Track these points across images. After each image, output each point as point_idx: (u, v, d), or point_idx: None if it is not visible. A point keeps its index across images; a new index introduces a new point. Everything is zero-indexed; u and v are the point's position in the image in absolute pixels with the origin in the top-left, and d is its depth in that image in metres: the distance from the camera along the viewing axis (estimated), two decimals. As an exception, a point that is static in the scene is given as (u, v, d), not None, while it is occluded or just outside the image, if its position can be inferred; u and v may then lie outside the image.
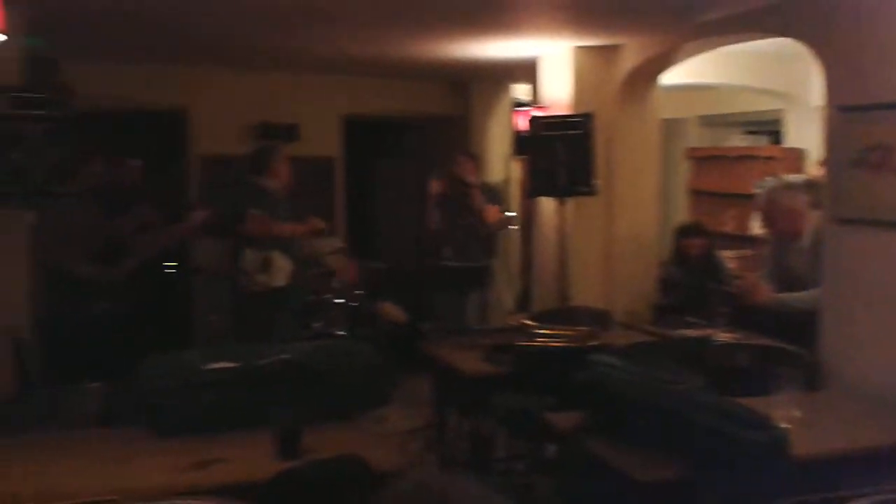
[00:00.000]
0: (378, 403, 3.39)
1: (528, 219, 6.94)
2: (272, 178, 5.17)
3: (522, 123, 6.09)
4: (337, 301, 6.00)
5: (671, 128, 7.23)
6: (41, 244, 4.53)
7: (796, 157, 6.68)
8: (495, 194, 6.21)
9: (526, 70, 6.32)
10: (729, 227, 6.78)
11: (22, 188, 3.83)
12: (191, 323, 6.64)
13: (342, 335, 5.82)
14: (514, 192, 7.68)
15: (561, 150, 5.14)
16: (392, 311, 5.91)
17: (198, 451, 2.78)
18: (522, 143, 5.95)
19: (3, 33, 2.00)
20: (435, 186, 6.03)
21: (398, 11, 4.64)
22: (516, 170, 7.68)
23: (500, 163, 7.73)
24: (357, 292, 6.17)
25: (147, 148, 5.83)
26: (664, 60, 5.43)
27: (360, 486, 2.40)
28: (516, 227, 7.13)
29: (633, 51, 5.49)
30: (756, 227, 5.57)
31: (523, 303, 6.75)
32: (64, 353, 4.47)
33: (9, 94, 3.82)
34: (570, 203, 5.41)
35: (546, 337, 4.30)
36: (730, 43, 5.16)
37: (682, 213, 7.55)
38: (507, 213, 6.17)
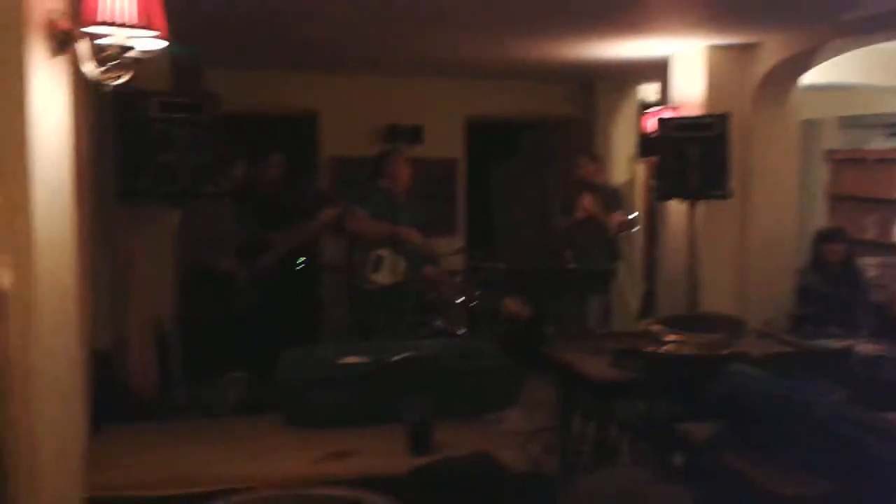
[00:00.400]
0: (506, 404, 3.39)
1: (653, 221, 6.77)
2: (389, 181, 5.23)
3: (650, 125, 5.93)
4: (457, 300, 6.05)
5: (809, 129, 6.90)
6: (186, 242, 4.78)
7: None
8: (618, 197, 6.09)
9: (655, 70, 6.18)
10: (870, 233, 6.43)
11: (170, 188, 4.03)
12: (319, 317, 6.85)
13: (462, 334, 5.85)
14: (638, 195, 7.51)
15: (693, 152, 4.99)
16: (515, 306, 5.86)
17: (332, 443, 2.86)
18: (650, 145, 5.81)
19: (164, 39, 2.11)
20: (588, 202, 5.96)
21: (528, 13, 4.63)
22: (640, 172, 7.51)
23: (623, 165, 7.58)
24: (477, 292, 6.19)
25: (282, 150, 6.05)
26: (804, 60, 5.19)
27: (494, 484, 2.40)
28: (637, 230, 6.96)
29: (771, 49, 5.26)
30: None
31: (646, 307, 6.59)
32: (205, 346, 4.70)
33: (158, 99, 4.04)
34: (702, 206, 5.25)
35: (675, 343, 4.18)
36: (875, 42, 4.88)
37: (820, 218, 7.18)
38: (629, 216, 6.03)
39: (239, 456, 2.80)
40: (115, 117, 3.94)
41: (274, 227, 5.27)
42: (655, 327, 4.57)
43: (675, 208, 5.60)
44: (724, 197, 5.08)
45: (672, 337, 4.26)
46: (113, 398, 3.39)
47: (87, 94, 2.49)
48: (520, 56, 6.06)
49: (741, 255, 5.49)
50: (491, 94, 7.48)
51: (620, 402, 4.27)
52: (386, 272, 5.06)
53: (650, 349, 4.12)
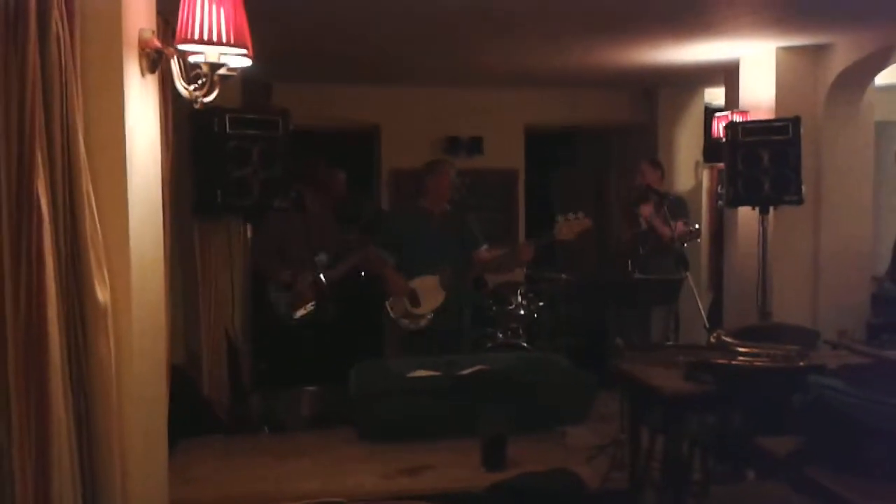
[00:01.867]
0: (579, 417, 3.35)
1: (719, 229, 6.63)
2: (429, 199, 5.05)
3: (717, 129, 5.82)
4: (520, 312, 6.00)
5: (885, 131, 6.69)
6: (257, 254, 4.85)
7: None
8: (682, 205, 5.98)
9: (720, 73, 6.07)
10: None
11: (242, 202, 4.09)
12: (382, 331, 6.87)
13: (525, 347, 5.80)
14: (704, 202, 7.38)
15: (765, 158, 4.88)
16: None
17: (404, 457, 2.86)
18: (718, 150, 5.69)
19: (252, 59, 2.15)
20: (646, 211, 5.84)
21: (592, 20, 4.59)
22: (706, 178, 7.38)
23: (688, 172, 7.46)
24: (540, 304, 6.13)
25: (344, 164, 6.09)
26: (878, 60, 5.05)
27: (573, 501, 2.37)
28: (701, 239, 6.81)
29: (843, 50, 5.13)
30: None
31: (714, 317, 6.45)
32: (270, 357, 4.74)
33: (231, 115, 4.11)
34: (773, 213, 5.13)
35: (749, 356, 4.07)
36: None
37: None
38: (692, 227, 5.86)
39: (311, 470, 2.83)
40: (191, 134, 4.03)
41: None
42: (728, 338, 4.47)
43: (745, 215, 5.48)
44: (797, 203, 4.95)
45: (745, 349, 4.16)
46: (188, 412, 3.44)
47: (170, 111, 2.55)
48: (580, 63, 6.02)
49: (814, 263, 5.34)
50: (550, 103, 7.44)
51: (691, 416, 4.17)
52: (425, 301, 4.95)
53: (723, 361, 4.03)
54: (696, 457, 4.52)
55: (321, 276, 5.03)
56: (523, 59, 5.89)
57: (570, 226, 4.82)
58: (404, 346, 4.97)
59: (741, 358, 4.09)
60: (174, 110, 2.51)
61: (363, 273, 5.61)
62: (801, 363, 3.92)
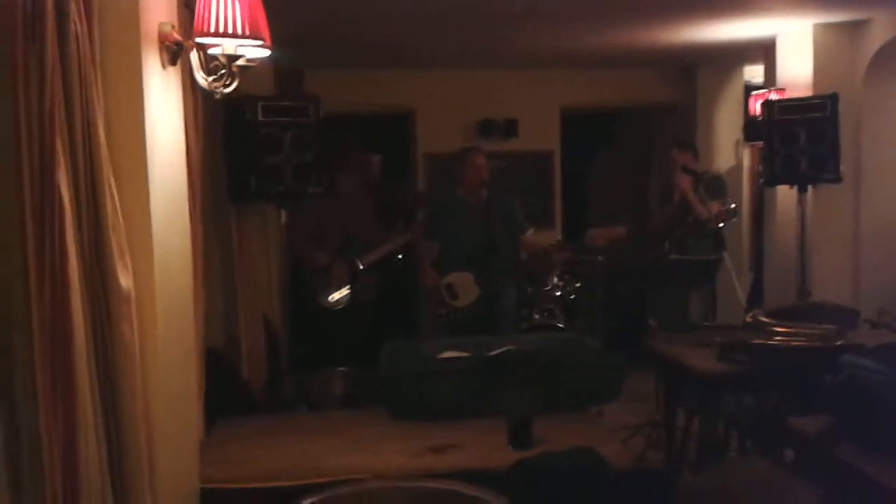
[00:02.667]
0: (608, 398, 3.36)
1: (760, 209, 6.53)
2: (463, 187, 5.10)
3: (755, 108, 5.73)
4: (556, 293, 6.00)
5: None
6: (292, 239, 4.94)
7: None
8: (720, 185, 5.89)
9: (759, 51, 5.96)
10: None
11: (276, 189, 4.18)
12: (417, 314, 6.95)
13: (560, 328, 5.80)
14: (745, 181, 7.26)
15: (802, 136, 4.80)
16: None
17: (433, 437, 2.91)
18: (756, 129, 5.60)
19: (269, 49, 2.20)
20: (683, 181, 5.78)
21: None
22: (747, 157, 7.26)
23: (728, 151, 7.35)
24: (576, 284, 6.12)
25: (380, 148, 6.16)
26: (920, 34, 4.91)
27: (596, 479, 2.39)
28: (739, 218, 6.69)
29: (882, 25, 5.00)
30: None
31: (754, 298, 6.37)
32: (308, 340, 4.85)
33: (263, 103, 4.19)
34: (812, 191, 5.04)
35: (786, 335, 4.03)
36: None
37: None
38: (729, 207, 5.75)
39: (343, 449, 2.89)
40: (224, 122, 4.11)
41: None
42: (764, 318, 4.42)
43: (784, 194, 5.39)
44: (835, 181, 4.87)
45: (782, 328, 4.11)
46: (226, 393, 3.54)
47: (198, 101, 2.61)
48: (616, 43, 5.96)
49: (854, 242, 5.24)
50: (586, 84, 7.38)
51: (727, 397, 4.14)
52: (463, 294, 5.01)
53: (759, 341, 3.99)
54: (732, 437, 4.51)
55: (357, 260, 5.11)
56: (557, 41, 5.85)
57: (600, 235, 4.93)
58: (440, 329, 5.05)
59: (777, 338, 4.05)
60: (206, 100, 2.57)
61: (400, 256, 5.69)
62: (839, 343, 3.87)
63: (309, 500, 2.13)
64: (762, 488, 0.94)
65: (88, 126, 1.71)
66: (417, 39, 5.69)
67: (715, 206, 5.60)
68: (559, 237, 6.51)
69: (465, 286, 4.95)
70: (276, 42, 4.91)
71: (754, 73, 7.07)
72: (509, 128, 7.22)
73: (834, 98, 4.84)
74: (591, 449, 2.46)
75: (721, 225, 5.47)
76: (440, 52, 6.30)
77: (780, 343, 3.98)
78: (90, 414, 1.69)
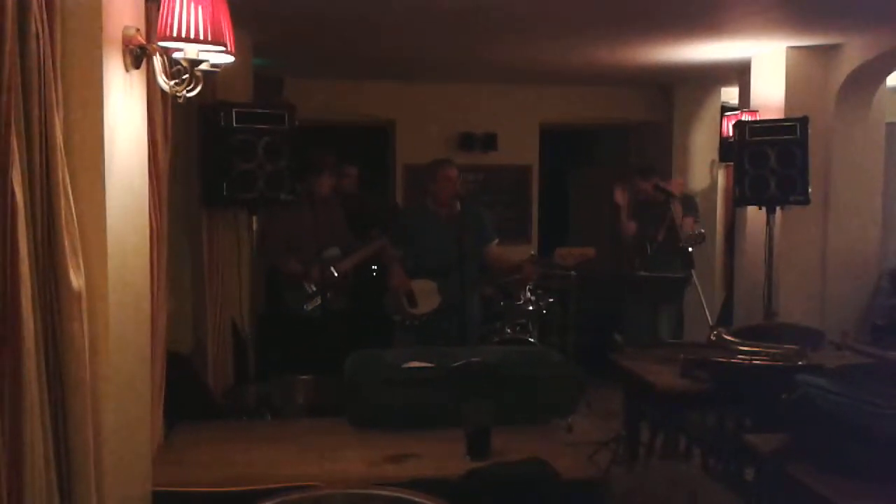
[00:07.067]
0: (566, 412, 3.39)
1: (733, 229, 6.61)
2: (433, 200, 5.04)
3: (727, 129, 5.82)
4: (528, 308, 6.04)
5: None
6: (262, 246, 4.95)
7: None
8: (691, 204, 5.96)
9: (735, 73, 6.05)
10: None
11: (248, 195, 4.19)
12: (391, 323, 6.94)
13: (531, 342, 5.83)
14: (720, 201, 7.36)
15: (772, 157, 4.87)
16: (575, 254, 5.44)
17: (392, 445, 2.92)
18: (730, 150, 5.69)
19: (232, 55, 2.23)
20: (620, 196, 5.87)
21: (605, 18, 4.62)
22: (721, 177, 7.35)
23: (703, 171, 7.44)
24: (549, 299, 6.16)
25: (359, 159, 6.18)
26: (889, 61, 5.02)
27: (547, 490, 2.41)
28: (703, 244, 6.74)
29: (854, 50, 5.10)
30: None
31: (725, 316, 6.44)
32: (277, 347, 4.84)
33: (238, 110, 4.21)
34: (780, 213, 5.11)
35: (748, 354, 4.08)
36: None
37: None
38: (699, 230, 5.77)
39: (301, 455, 2.89)
40: (199, 127, 4.13)
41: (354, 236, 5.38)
42: (728, 337, 4.47)
43: (754, 215, 5.48)
44: (803, 203, 4.95)
45: (744, 347, 4.16)
46: (190, 398, 3.54)
47: (168, 105, 2.62)
48: (596, 60, 6.04)
49: (822, 264, 5.33)
50: (566, 100, 7.46)
51: (690, 414, 4.18)
52: (423, 303, 4.99)
53: (721, 359, 4.04)
54: (695, 454, 4.55)
55: (331, 267, 5.12)
56: (538, 56, 5.92)
57: (570, 254, 4.96)
58: (412, 339, 5.04)
59: (740, 356, 4.10)
60: (180, 105, 2.58)
61: (374, 266, 5.70)
62: (800, 362, 3.92)
63: (258, 506, 2.14)
64: (682, 489, 0.97)
65: (45, 125, 1.72)
66: (399, 52, 5.75)
67: (688, 222, 5.67)
68: (533, 252, 6.55)
69: (425, 294, 4.95)
70: (257, 49, 4.95)
71: (731, 94, 7.18)
72: (489, 141, 7.28)
73: (804, 121, 4.92)
74: (541, 460, 2.49)
75: (692, 245, 5.53)
76: (422, 65, 6.36)
77: (742, 361, 4.03)
78: (37, 412, 1.69)
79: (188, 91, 2.18)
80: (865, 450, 2.59)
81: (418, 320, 4.90)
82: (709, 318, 5.11)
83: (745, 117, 5.49)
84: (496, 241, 5.07)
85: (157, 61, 2.16)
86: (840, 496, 2.52)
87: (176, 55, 2.14)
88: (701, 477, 1.01)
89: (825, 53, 5.27)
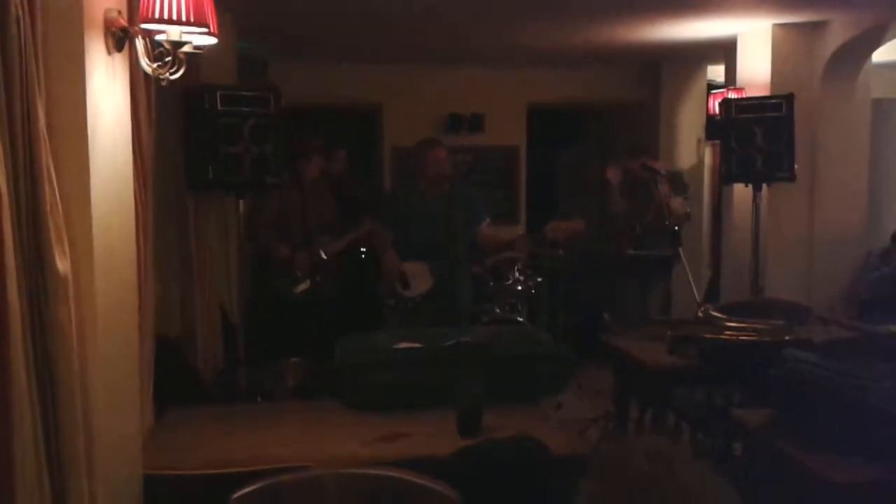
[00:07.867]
0: (556, 390, 3.41)
1: (720, 206, 6.64)
2: (421, 181, 4.99)
3: (713, 106, 5.83)
4: (518, 288, 6.05)
5: (885, 109, 6.64)
6: (250, 230, 4.93)
7: None
8: (680, 181, 5.98)
9: (722, 50, 6.05)
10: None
11: (234, 179, 4.17)
12: (381, 306, 6.95)
13: (521, 322, 5.85)
14: (706, 179, 7.38)
15: (758, 135, 4.89)
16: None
17: (384, 426, 2.93)
18: (715, 128, 5.70)
19: (215, 37, 2.21)
20: (612, 174, 5.88)
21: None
22: (709, 155, 7.37)
23: (690, 148, 7.46)
24: (538, 279, 6.18)
25: (347, 142, 6.15)
26: (874, 37, 5.03)
27: (537, 466, 2.44)
28: (689, 223, 6.75)
29: (839, 27, 5.10)
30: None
31: (711, 294, 6.48)
32: (268, 332, 4.84)
33: (223, 93, 4.17)
34: (767, 190, 5.13)
35: (735, 330, 4.11)
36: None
37: (892, 201, 6.92)
38: (687, 209, 5.77)
39: (294, 437, 2.90)
40: (184, 110, 4.10)
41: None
42: (715, 313, 4.50)
43: (740, 192, 5.50)
44: (789, 180, 4.97)
45: (732, 323, 4.19)
46: (180, 382, 3.54)
47: (151, 88, 2.60)
48: (581, 40, 6.02)
49: (808, 240, 5.36)
50: (553, 81, 7.45)
51: (679, 390, 4.22)
52: (415, 284, 4.98)
53: (708, 335, 4.07)
54: (684, 430, 4.59)
55: (321, 251, 5.11)
56: (524, 38, 5.90)
57: (560, 228, 4.95)
58: (403, 322, 5.04)
59: (727, 332, 4.13)
60: (165, 88, 2.56)
61: (364, 249, 5.69)
62: (787, 338, 3.95)
63: (250, 488, 2.15)
64: (660, 461, 0.98)
65: (28, 109, 1.70)
66: (386, 35, 5.72)
67: (677, 202, 5.70)
68: (521, 232, 6.56)
69: (418, 276, 4.94)
70: (242, 32, 4.90)
71: (717, 72, 7.18)
72: (476, 122, 7.27)
73: (790, 98, 4.93)
74: (532, 437, 2.51)
75: (679, 224, 5.55)
76: (408, 48, 6.33)
77: (729, 337, 4.06)
78: (26, 398, 1.69)
79: (171, 74, 2.17)
80: (852, 424, 2.63)
81: (412, 302, 4.88)
82: (696, 296, 5.14)
83: (732, 95, 5.50)
84: (487, 220, 5.06)
85: (140, 44, 2.14)
86: (827, 470, 2.55)
87: (158, 37, 2.12)
88: (679, 449, 1.02)
89: (811, 30, 5.27)
